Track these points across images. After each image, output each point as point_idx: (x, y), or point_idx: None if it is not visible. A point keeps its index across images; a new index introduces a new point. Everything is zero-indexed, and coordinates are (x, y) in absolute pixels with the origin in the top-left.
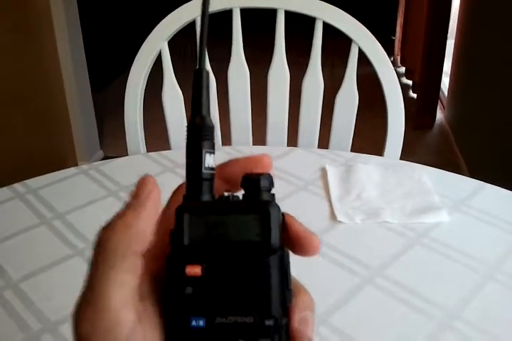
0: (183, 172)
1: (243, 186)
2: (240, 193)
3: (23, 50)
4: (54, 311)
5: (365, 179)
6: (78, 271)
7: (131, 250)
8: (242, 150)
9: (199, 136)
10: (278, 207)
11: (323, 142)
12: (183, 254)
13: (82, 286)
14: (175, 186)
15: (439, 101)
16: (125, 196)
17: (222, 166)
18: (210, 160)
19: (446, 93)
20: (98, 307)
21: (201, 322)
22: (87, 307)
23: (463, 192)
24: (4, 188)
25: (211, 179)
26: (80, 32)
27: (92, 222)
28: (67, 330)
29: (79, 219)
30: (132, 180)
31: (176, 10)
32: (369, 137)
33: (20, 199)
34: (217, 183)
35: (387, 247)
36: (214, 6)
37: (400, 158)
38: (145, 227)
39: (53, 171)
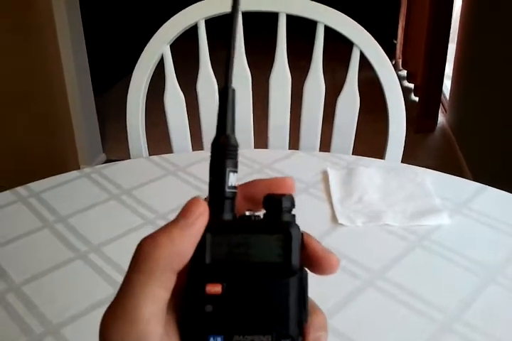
0: (185, 175)
1: (265, 205)
2: (261, 212)
3: (25, 53)
4: (56, 314)
5: (366, 182)
6: (80, 274)
7: (170, 267)
8: (243, 154)
9: (223, 154)
10: (299, 228)
11: (325, 145)
12: (204, 273)
13: (116, 294)
14: (176, 189)
15: (440, 105)
16: (127, 199)
17: (246, 185)
18: (233, 179)
19: (447, 96)
20: (129, 318)
21: (219, 340)
22: (118, 318)
23: (464, 195)
24: (7, 192)
25: (233, 198)
26: (83, 35)
27: (94, 225)
28: (69, 333)
29: (81, 222)
30: (134, 183)
31: (179, 13)
32: (370, 140)
33: (22, 203)
34: (240, 202)
35: (389, 250)
36: (215, 10)
37: (402, 161)
38: (187, 248)
39: (55, 174)
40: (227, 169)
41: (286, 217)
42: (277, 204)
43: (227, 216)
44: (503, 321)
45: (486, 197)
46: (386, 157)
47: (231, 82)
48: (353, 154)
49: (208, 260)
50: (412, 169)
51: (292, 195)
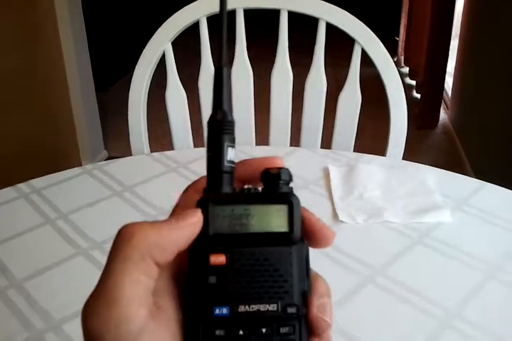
0: (186, 172)
1: (263, 180)
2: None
3: (27, 51)
4: (58, 310)
5: (367, 179)
6: (82, 270)
7: (151, 255)
8: (245, 151)
9: (220, 130)
10: (299, 199)
11: (326, 142)
12: (208, 244)
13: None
14: (178, 186)
15: (442, 102)
16: (129, 196)
17: (238, 165)
18: (231, 154)
19: (449, 93)
20: (110, 300)
21: (225, 311)
22: (98, 301)
23: (465, 192)
24: (8, 188)
25: (231, 172)
26: (85, 32)
27: (95, 221)
28: (70, 329)
29: (83, 218)
30: (136, 180)
31: (180, 10)
32: (372, 137)
33: (24, 199)
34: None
35: (389, 247)
36: (217, 7)
37: (404, 158)
38: (171, 245)
39: (57, 171)
40: (225, 143)
41: (284, 189)
42: (275, 177)
43: (227, 189)
44: (503, 318)
45: (486, 194)
46: (387, 154)
47: (225, 60)
48: (354, 151)
49: (211, 231)
50: (413, 166)
51: (289, 169)
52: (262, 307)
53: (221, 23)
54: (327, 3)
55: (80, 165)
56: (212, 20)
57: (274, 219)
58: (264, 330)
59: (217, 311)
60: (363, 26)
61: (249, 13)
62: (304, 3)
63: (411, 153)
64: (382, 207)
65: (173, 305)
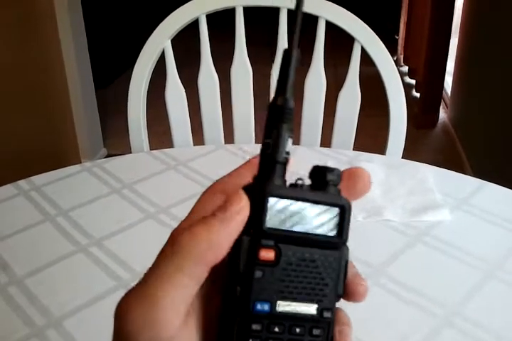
0: (185, 170)
1: (312, 176)
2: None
3: (27, 48)
4: (58, 307)
5: None
6: (82, 267)
7: (205, 260)
8: (245, 148)
9: (281, 117)
10: (350, 203)
11: (326, 140)
12: (260, 237)
13: (142, 278)
14: (177, 184)
15: (442, 101)
16: (128, 193)
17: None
18: (289, 145)
19: (449, 92)
20: (148, 301)
21: (266, 307)
22: (137, 299)
23: (464, 191)
24: (8, 185)
25: (285, 164)
26: (84, 29)
27: (95, 219)
28: (71, 325)
29: (82, 216)
30: (135, 177)
31: (180, 8)
32: (371, 136)
33: (24, 196)
34: None
35: (389, 245)
36: (216, 5)
37: (403, 157)
38: (224, 242)
39: (56, 168)
40: (286, 134)
41: (333, 190)
42: (327, 177)
43: (278, 181)
44: (503, 316)
45: (486, 193)
46: (387, 152)
47: (296, 43)
48: (353, 149)
49: (266, 225)
50: (413, 165)
51: (339, 169)
52: (301, 308)
53: (298, 2)
54: (327, 2)
55: (79, 162)
56: (211, 17)
57: (325, 221)
58: (298, 330)
59: (258, 307)
60: (363, 24)
61: (248, 11)
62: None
63: (410, 153)
64: (381, 205)
65: (201, 315)
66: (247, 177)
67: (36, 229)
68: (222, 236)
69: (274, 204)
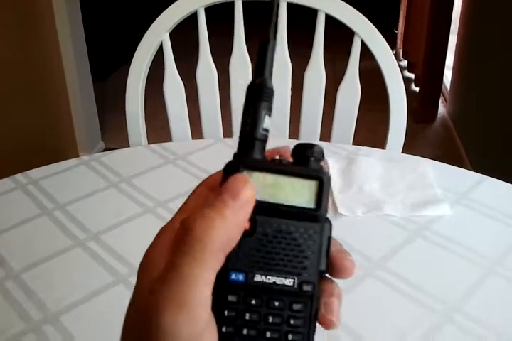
0: (184, 164)
1: (294, 153)
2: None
3: (24, 41)
4: (55, 302)
5: (367, 172)
6: (79, 262)
7: (223, 250)
8: None
9: (259, 96)
10: (330, 177)
11: (325, 135)
12: None
13: (163, 271)
14: (175, 178)
15: (441, 95)
16: (126, 187)
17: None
18: (267, 122)
19: (448, 87)
20: (184, 301)
21: (241, 277)
22: (173, 300)
23: (464, 186)
24: (5, 179)
25: (264, 141)
26: (81, 22)
27: (93, 213)
28: (68, 321)
29: (80, 210)
30: (133, 171)
31: (178, 1)
32: (370, 130)
33: (21, 190)
34: None
35: (389, 240)
36: None
37: (402, 152)
38: (237, 231)
39: (54, 162)
40: (263, 111)
41: (314, 165)
42: (307, 152)
43: (257, 156)
44: (503, 312)
45: (486, 188)
46: (387, 147)
47: (275, 28)
48: (353, 144)
49: None
50: (413, 159)
51: (321, 147)
52: (279, 280)
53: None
54: None
55: (76, 156)
56: (210, 10)
57: (303, 193)
58: (276, 304)
59: (233, 276)
60: (363, 18)
61: (248, 5)
62: None
63: (409, 147)
64: (381, 200)
65: None
66: None
67: (33, 223)
68: (235, 226)
69: (249, 176)
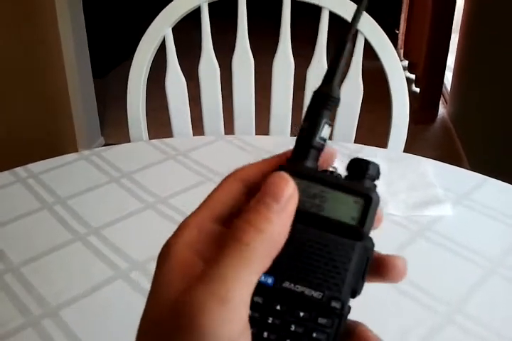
0: (185, 160)
1: (349, 168)
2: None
3: (25, 37)
4: (55, 296)
5: None
6: (79, 256)
7: (270, 255)
8: (245, 140)
9: (323, 104)
10: (379, 198)
11: None
12: None
13: (202, 271)
14: (176, 174)
15: (441, 96)
16: (127, 182)
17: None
18: (326, 132)
19: (449, 88)
20: (226, 301)
21: (270, 280)
22: (213, 300)
23: (466, 186)
24: (5, 172)
25: (320, 150)
26: (83, 17)
27: (93, 207)
28: (67, 315)
29: (80, 204)
30: (134, 166)
31: None
32: (371, 130)
33: (21, 184)
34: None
35: (390, 240)
36: None
37: (402, 152)
38: (283, 233)
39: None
40: (324, 119)
41: (368, 184)
42: (363, 169)
43: (309, 164)
44: (504, 312)
45: (487, 189)
46: (388, 146)
47: (351, 35)
48: (355, 143)
49: None
50: (414, 159)
51: (379, 164)
52: (307, 291)
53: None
54: None
55: (76, 151)
56: (213, 6)
57: (347, 209)
58: (301, 314)
59: (262, 278)
60: (367, 16)
61: (251, 1)
62: None
63: (409, 147)
64: (383, 199)
65: None
66: (272, 167)
67: (33, 216)
68: (281, 228)
69: (296, 182)
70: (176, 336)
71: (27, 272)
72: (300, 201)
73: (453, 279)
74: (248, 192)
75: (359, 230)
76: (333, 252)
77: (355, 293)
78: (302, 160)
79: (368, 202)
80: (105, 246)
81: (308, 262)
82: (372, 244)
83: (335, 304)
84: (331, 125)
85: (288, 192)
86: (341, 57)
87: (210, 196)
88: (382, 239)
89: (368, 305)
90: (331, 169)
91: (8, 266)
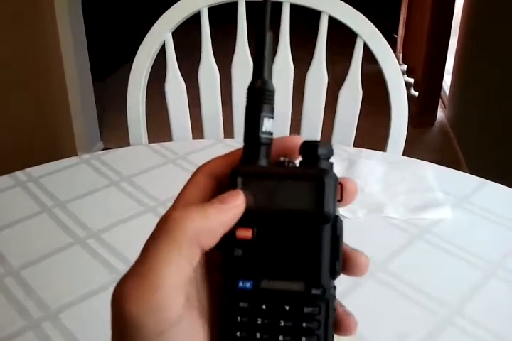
0: (184, 163)
1: (301, 153)
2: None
3: (24, 40)
4: (54, 299)
5: (367, 174)
6: (79, 259)
7: (198, 242)
8: (242, 142)
9: (259, 99)
10: (334, 176)
11: (326, 137)
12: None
13: (135, 263)
14: (176, 177)
15: (440, 100)
16: (126, 186)
17: (275, 141)
18: (268, 125)
19: (447, 91)
20: (152, 286)
21: (248, 285)
22: (140, 286)
23: (465, 189)
24: (5, 176)
25: (268, 144)
26: (82, 21)
27: (93, 211)
28: (67, 318)
29: (80, 208)
30: (134, 170)
31: (181, 0)
32: (370, 133)
33: (21, 187)
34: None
35: (390, 242)
36: None
37: (401, 155)
38: (218, 230)
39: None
40: (262, 114)
41: (323, 165)
42: (313, 151)
43: (262, 162)
44: (503, 315)
45: (487, 192)
46: (387, 149)
47: (268, 25)
48: (354, 146)
49: None
50: (413, 162)
51: (331, 142)
52: (286, 285)
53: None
54: None
55: (75, 155)
56: (213, 10)
57: (303, 196)
58: (287, 308)
59: (240, 284)
60: (366, 20)
61: (251, 5)
62: None
63: (408, 151)
64: (382, 202)
65: (205, 294)
66: (235, 161)
67: (33, 220)
68: (216, 223)
69: (247, 183)
70: (114, 327)
71: (27, 275)
72: (257, 203)
73: (452, 282)
74: (217, 184)
75: (319, 213)
76: (300, 242)
77: (334, 273)
78: (253, 159)
79: (321, 183)
80: (105, 250)
81: (280, 257)
82: (341, 220)
83: (315, 291)
84: (272, 117)
85: (236, 202)
86: (265, 49)
87: (181, 191)
88: (382, 241)
89: (367, 307)
90: (281, 159)
91: (7, 270)
